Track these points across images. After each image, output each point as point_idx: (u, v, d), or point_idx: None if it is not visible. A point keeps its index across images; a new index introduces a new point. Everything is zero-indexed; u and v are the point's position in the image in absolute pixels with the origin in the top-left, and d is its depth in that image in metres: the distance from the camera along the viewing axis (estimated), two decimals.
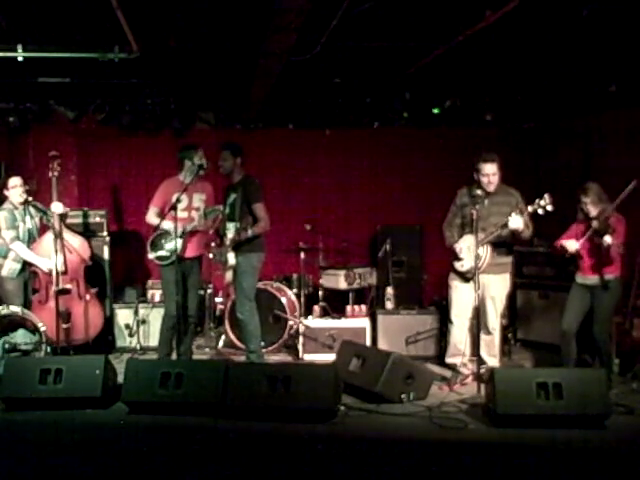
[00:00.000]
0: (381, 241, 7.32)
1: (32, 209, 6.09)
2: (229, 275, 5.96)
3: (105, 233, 7.16)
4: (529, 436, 4.40)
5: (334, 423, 4.70)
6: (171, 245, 5.72)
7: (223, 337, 7.02)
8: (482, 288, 5.30)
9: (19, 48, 5.58)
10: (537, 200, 5.17)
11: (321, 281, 7.19)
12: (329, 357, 6.20)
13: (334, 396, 4.78)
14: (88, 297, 6.28)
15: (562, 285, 5.97)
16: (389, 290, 6.93)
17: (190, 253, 5.89)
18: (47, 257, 5.92)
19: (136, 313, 6.87)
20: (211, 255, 6.86)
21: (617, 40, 5.59)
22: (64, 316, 5.91)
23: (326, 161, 8.19)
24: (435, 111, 7.72)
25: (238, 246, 5.71)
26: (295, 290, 7.10)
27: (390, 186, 8.17)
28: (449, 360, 5.66)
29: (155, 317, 6.57)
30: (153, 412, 4.88)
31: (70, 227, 6.47)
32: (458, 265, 5.50)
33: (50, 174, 6.01)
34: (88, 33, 5.51)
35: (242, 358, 6.14)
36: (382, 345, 6.46)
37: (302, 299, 7.00)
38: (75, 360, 5.37)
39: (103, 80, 6.92)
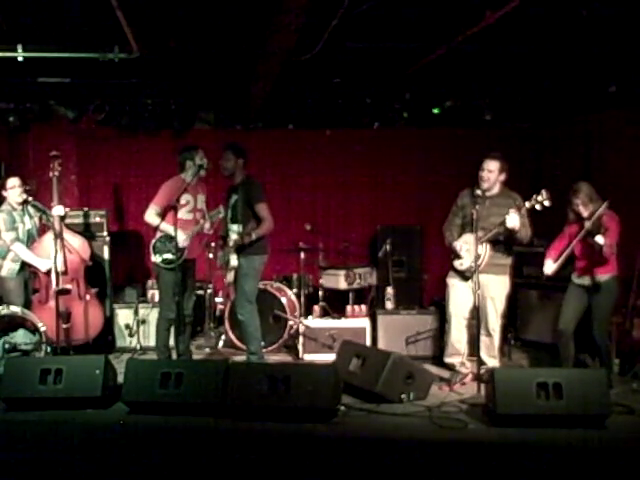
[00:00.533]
0: (381, 241, 7.32)
1: (31, 209, 6.09)
2: (230, 276, 5.94)
3: (105, 233, 7.15)
4: (529, 436, 4.40)
5: (334, 423, 4.70)
6: (180, 245, 5.66)
7: (223, 337, 7.02)
8: (481, 288, 5.29)
9: (19, 48, 5.59)
10: (534, 195, 5.17)
11: (321, 281, 7.19)
12: (329, 357, 6.20)
13: (334, 396, 4.78)
14: (88, 297, 6.28)
15: (562, 285, 5.96)
16: (389, 290, 6.93)
17: (191, 254, 5.88)
18: (47, 257, 5.91)
19: (136, 313, 6.87)
20: (211, 255, 6.88)
21: (617, 40, 5.59)
22: (64, 316, 5.90)
23: (326, 161, 8.18)
24: (435, 111, 7.72)
25: (241, 248, 5.70)
26: (295, 290, 7.10)
27: (390, 186, 8.18)
28: (448, 360, 5.66)
29: (155, 317, 6.55)
30: (153, 412, 4.88)
31: (70, 227, 6.47)
32: (457, 264, 5.50)
33: (51, 174, 6.00)
34: (88, 33, 5.51)
35: (242, 358, 6.15)
36: (382, 345, 6.46)
37: (302, 299, 6.99)
38: (75, 360, 5.36)
39: (103, 80, 6.92)
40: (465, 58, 6.19)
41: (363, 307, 6.87)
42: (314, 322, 6.64)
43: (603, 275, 5.25)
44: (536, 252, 6.86)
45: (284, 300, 6.80)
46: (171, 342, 6.02)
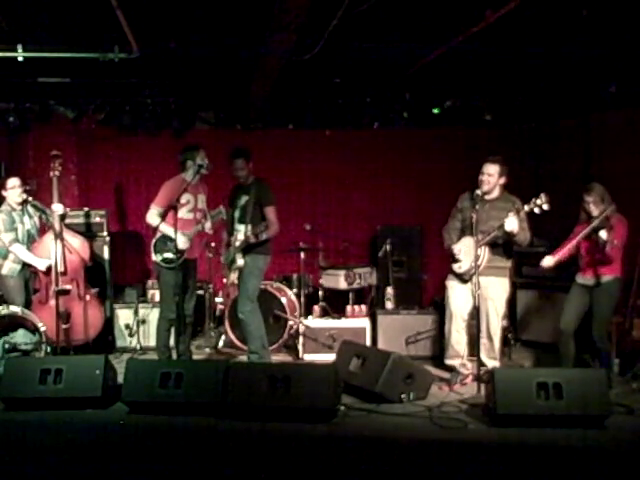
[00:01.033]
0: (381, 241, 7.33)
1: (31, 209, 6.09)
2: (233, 276, 5.94)
3: (105, 233, 7.15)
4: (529, 436, 4.40)
5: (334, 423, 4.70)
6: (179, 247, 5.66)
7: (223, 337, 7.02)
8: (481, 290, 5.28)
9: (19, 48, 5.59)
10: (533, 199, 5.16)
11: (321, 281, 7.19)
12: (329, 357, 6.20)
13: (334, 396, 4.77)
14: (88, 297, 6.27)
15: (562, 285, 5.97)
16: (389, 290, 6.93)
17: (192, 254, 5.89)
18: (48, 257, 5.91)
19: (136, 313, 6.87)
20: (211, 255, 6.88)
21: (617, 40, 5.59)
22: (63, 316, 5.90)
23: (326, 161, 8.18)
24: (435, 111, 7.72)
25: (247, 248, 5.71)
26: (295, 290, 7.10)
27: (390, 186, 8.19)
28: (448, 362, 5.66)
29: (155, 317, 6.54)
30: (153, 412, 4.88)
31: (70, 227, 6.47)
32: (456, 267, 5.50)
33: (51, 174, 6.00)
34: (88, 33, 5.51)
35: (242, 358, 6.14)
36: (382, 345, 6.46)
37: (302, 299, 6.99)
38: (75, 360, 5.36)
39: (103, 80, 6.92)
40: (465, 58, 6.19)
41: (363, 307, 6.88)
42: (314, 322, 6.64)
43: (606, 275, 5.26)
44: (536, 252, 6.87)
45: (284, 300, 6.80)
46: (171, 342, 6.03)
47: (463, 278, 5.47)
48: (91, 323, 6.23)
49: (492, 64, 6.54)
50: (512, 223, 5.18)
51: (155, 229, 5.81)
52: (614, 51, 5.86)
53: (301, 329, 6.59)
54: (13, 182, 5.95)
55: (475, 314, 5.31)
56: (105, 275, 7.04)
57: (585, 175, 6.84)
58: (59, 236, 5.88)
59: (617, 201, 5.28)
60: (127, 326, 6.89)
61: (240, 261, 5.72)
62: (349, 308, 6.88)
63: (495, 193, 5.44)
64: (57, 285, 5.78)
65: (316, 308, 6.93)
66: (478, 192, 5.34)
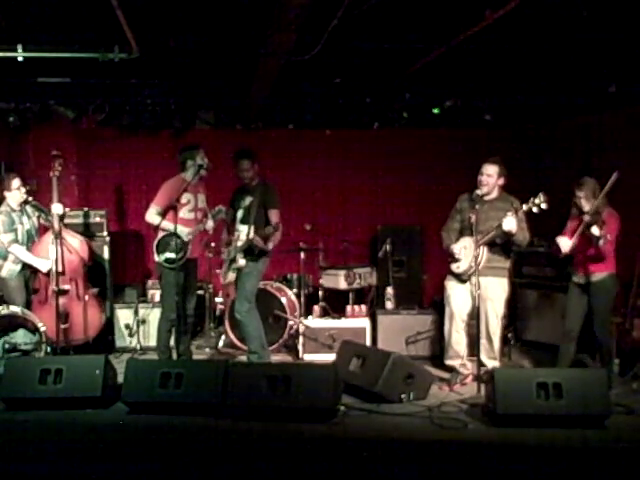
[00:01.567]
0: (381, 241, 7.33)
1: (30, 209, 6.10)
2: (231, 276, 5.94)
3: (105, 233, 7.15)
4: (529, 436, 4.40)
5: (334, 423, 4.70)
6: (184, 239, 5.67)
7: (223, 337, 7.02)
8: (480, 290, 5.28)
9: (19, 48, 5.59)
10: (532, 198, 5.16)
11: (321, 281, 7.19)
12: (329, 357, 6.20)
13: (334, 396, 4.77)
14: (87, 297, 6.27)
15: (562, 285, 5.96)
16: (389, 290, 6.93)
17: (193, 254, 5.89)
18: (47, 257, 5.91)
19: (136, 313, 6.87)
20: (211, 255, 6.88)
21: (617, 40, 5.59)
22: (62, 316, 5.90)
23: (326, 161, 8.18)
24: (435, 111, 7.72)
25: (249, 250, 5.71)
26: (295, 290, 7.10)
27: (390, 186, 8.18)
28: (448, 362, 5.65)
29: (155, 317, 6.55)
30: (153, 412, 4.88)
31: (70, 227, 6.46)
32: (454, 267, 5.50)
33: (51, 174, 5.99)
34: (88, 33, 5.51)
35: (242, 358, 6.14)
36: (382, 345, 6.45)
37: (302, 299, 6.99)
38: (75, 360, 5.36)
39: (103, 80, 6.92)
40: (465, 58, 6.19)
41: (363, 307, 6.87)
42: (314, 322, 6.64)
43: (601, 273, 5.24)
44: (536, 252, 6.88)
45: (284, 300, 6.80)
46: (171, 342, 6.03)
47: (462, 278, 5.47)
48: (90, 323, 6.23)
49: (492, 64, 6.54)
50: (510, 223, 5.18)
51: (156, 228, 5.82)
52: (614, 51, 5.86)
53: (301, 329, 6.59)
54: (14, 183, 5.95)
55: (475, 314, 5.31)
56: (105, 275, 7.03)
57: (585, 174, 6.82)
58: (58, 236, 5.88)
59: (617, 201, 5.28)
60: (127, 326, 6.89)
61: (241, 261, 5.72)
62: (349, 308, 6.87)
63: (494, 194, 5.44)
64: (56, 285, 5.78)
65: (316, 308, 6.93)
66: (477, 192, 5.35)
